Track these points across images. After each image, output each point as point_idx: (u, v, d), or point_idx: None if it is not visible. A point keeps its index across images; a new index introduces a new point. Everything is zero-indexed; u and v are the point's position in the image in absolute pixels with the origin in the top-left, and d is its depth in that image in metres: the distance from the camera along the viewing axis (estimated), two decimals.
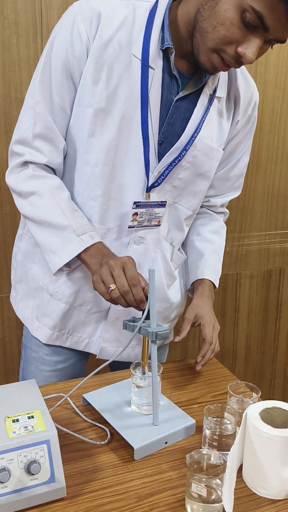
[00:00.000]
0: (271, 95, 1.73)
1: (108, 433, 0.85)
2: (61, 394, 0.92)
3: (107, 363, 0.86)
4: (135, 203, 0.96)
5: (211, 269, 1.12)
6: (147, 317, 0.84)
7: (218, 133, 1.02)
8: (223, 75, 0.99)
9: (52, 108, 0.94)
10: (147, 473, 0.77)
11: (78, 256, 0.94)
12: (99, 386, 0.96)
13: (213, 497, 0.69)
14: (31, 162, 0.97)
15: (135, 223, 0.99)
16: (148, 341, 0.86)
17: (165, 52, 0.92)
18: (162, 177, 0.97)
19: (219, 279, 1.15)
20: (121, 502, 0.72)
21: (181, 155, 0.96)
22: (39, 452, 0.71)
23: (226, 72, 0.98)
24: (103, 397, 0.92)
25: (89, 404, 0.91)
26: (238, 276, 1.90)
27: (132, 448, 0.80)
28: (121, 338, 1.05)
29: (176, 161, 0.96)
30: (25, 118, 0.96)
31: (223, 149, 1.05)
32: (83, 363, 1.12)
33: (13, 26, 1.40)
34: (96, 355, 1.06)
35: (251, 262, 1.91)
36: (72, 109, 0.95)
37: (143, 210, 0.98)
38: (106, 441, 0.83)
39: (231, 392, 0.87)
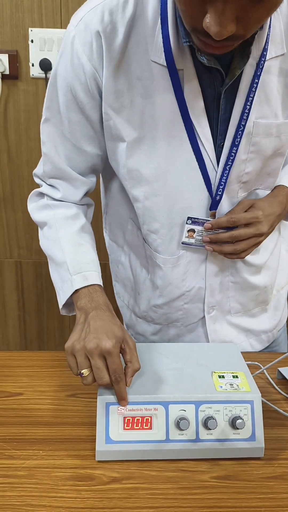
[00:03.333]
0: None
1: None
2: (257, 363, 0.95)
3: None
4: (190, 218, 0.87)
5: None
6: None
7: (285, 100, 0.84)
8: (277, 25, 0.79)
9: (65, 147, 0.87)
10: None
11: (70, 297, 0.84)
12: None
13: None
14: (46, 195, 0.94)
15: (192, 240, 0.89)
16: None
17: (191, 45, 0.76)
18: (221, 187, 0.85)
19: None
20: None
21: (233, 151, 0.83)
22: (242, 410, 0.75)
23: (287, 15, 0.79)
24: None
25: (283, 378, 0.93)
26: None
27: None
28: (228, 339, 1.01)
29: (230, 161, 0.84)
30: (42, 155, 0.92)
31: None
32: None
33: None
34: None
35: None
36: (95, 146, 0.87)
37: (201, 228, 0.88)
38: None
39: None
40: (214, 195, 0.87)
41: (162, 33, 0.76)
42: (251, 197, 0.93)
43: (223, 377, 0.80)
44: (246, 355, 0.98)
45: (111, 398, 0.74)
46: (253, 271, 0.99)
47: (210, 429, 0.74)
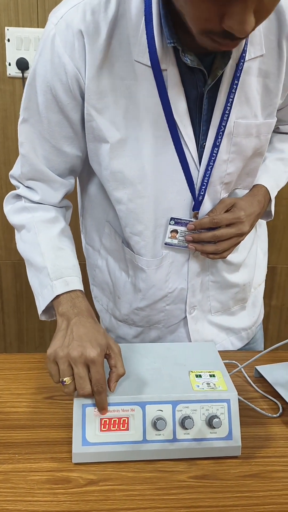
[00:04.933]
0: None
1: (280, 407, 0.86)
2: (234, 361, 0.95)
3: (286, 341, 0.86)
4: (173, 219, 0.87)
5: (269, 174, 0.97)
6: None
7: (264, 100, 0.85)
8: (256, 29, 0.74)
9: (43, 148, 0.85)
10: None
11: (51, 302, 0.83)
12: (271, 362, 0.97)
13: None
14: (24, 197, 0.91)
15: (175, 241, 0.89)
16: None
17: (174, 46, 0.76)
18: (203, 187, 0.86)
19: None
20: None
21: (215, 151, 0.84)
22: (219, 409, 0.75)
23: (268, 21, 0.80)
24: (276, 372, 0.93)
25: (260, 376, 0.93)
26: None
27: None
28: (209, 338, 1.02)
29: (212, 161, 0.84)
30: (19, 156, 0.89)
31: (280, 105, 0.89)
32: None
33: None
34: None
35: None
36: (74, 147, 0.85)
37: (183, 228, 0.88)
38: (278, 414, 0.85)
39: None
40: (197, 195, 0.87)
41: (146, 33, 0.75)
42: (231, 197, 0.93)
43: (200, 376, 0.80)
44: (224, 354, 0.98)
45: (88, 400, 0.73)
46: (232, 270, 0.99)
47: (187, 429, 0.74)
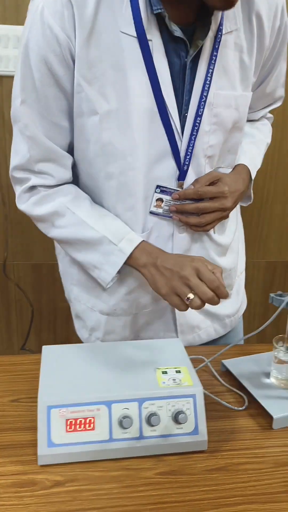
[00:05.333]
0: None
1: (246, 400, 0.87)
2: (201, 357, 0.96)
3: (253, 334, 0.87)
4: (158, 187, 0.89)
5: (246, 156, 1.02)
6: None
7: (240, 73, 0.90)
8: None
9: (43, 126, 0.86)
10: (286, 443, 0.78)
11: (124, 264, 0.89)
12: (237, 356, 0.98)
13: None
14: (39, 185, 0.91)
15: (160, 210, 0.91)
16: None
17: (158, 15, 0.80)
18: (188, 157, 0.89)
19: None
20: (259, 464, 0.74)
21: (197, 121, 0.87)
22: (185, 405, 0.76)
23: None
24: (242, 366, 0.94)
25: (227, 370, 0.94)
26: None
27: (270, 417, 0.81)
28: (195, 323, 1.04)
29: (195, 131, 0.87)
30: (19, 143, 0.89)
31: (255, 83, 0.95)
32: None
33: None
34: None
35: None
36: (69, 120, 0.87)
37: (168, 197, 0.91)
38: (244, 407, 0.86)
39: None
40: (182, 165, 0.89)
41: (131, 4, 0.78)
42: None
43: (166, 372, 0.80)
44: (192, 349, 0.99)
45: (52, 401, 0.73)
46: (220, 252, 1.02)
47: (153, 426, 0.74)
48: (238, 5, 0.85)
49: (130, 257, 0.88)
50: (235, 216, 1.07)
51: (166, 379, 0.78)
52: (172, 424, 0.75)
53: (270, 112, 1.13)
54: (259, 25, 0.88)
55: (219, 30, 0.84)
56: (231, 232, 1.05)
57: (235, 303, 1.12)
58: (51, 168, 0.90)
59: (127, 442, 0.73)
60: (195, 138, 0.88)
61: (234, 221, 1.06)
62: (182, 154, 0.89)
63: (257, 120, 1.11)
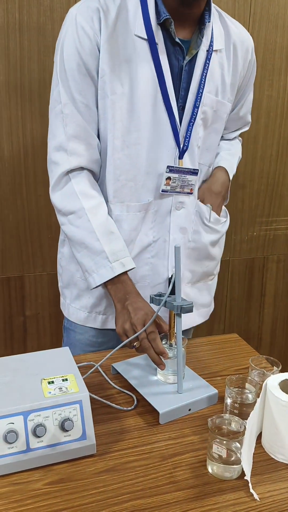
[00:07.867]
0: None
1: (135, 400, 0.90)
2: (92, 362, 0.98)
3: (133, 336, 0.91)
4: (168, 167, 1.04)
5: (223, 159, 1.22)
6: (173, 292, 0.88)
7: (221, 86, 1.10)
8: (217, 29, 1.08)
9: (77, 108, 1.00)
10: (171, 436, 0.82)
11: (105, 283, 1.01)
12: (126, 358, 1.01)
13: (232, 458, 0.74)
14: (70, 171, 1.02)
15: (168, 187, 1.06)
16: (174, 314, 0.90)
17: (163, 24, 1.00)
18: (187, 139, 1.05)
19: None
20: (146, 460, 0.77)
21: (194, 113, 1.05)
22: (72, 411, 0.77)
23: (221, 26, 1.09)
24: (131, 367, 0.97)
25: (117, 373, 0.97)
26: (265, 260, 1.92)
27: (157, 413, 0.85)
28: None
29: (192, 120, 1.05)
30: (56, 124, 1.02)
31: (232, 101, 1.14)
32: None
33: (48, 12, 1.44)
34: None
35: (279, 246, 1.93)
36: (95, 105, 1.01)
37: (176, 175, 1.05)
38: (133, 407, 0.88)
39: (253, 365, 0.91)
40: (182, 145, 1.05)
41: (143, 14, 0.99)
42: (201, 171, 1.13)
43: (52, 382, 0.80)
44: (82, 357, 1.00)
45: None
46: (212, 241, 1.16)
47: (40, 437, 0.74)
48: (221, 30, 1.08)
49: (112, 280, 1.00)
50: (225, 218, 1.23)
51: (52, 388, 0.79)
52: (59, 432, 0.75)
53: (240, 135, 1.34)
54: (235, 53, 1.10)
55: (210, 44, 1.05)
56: (223, 226, 1.20)
57: (209, 295, 1.25)
58: (81, 148, 1.02)
59: (14, 456, 0.73)
60: (192, 125, 1.05)
61: (223, 220, 1.21)
62: (181, 136, 1.05)
63: (231, 139, 1.32)
